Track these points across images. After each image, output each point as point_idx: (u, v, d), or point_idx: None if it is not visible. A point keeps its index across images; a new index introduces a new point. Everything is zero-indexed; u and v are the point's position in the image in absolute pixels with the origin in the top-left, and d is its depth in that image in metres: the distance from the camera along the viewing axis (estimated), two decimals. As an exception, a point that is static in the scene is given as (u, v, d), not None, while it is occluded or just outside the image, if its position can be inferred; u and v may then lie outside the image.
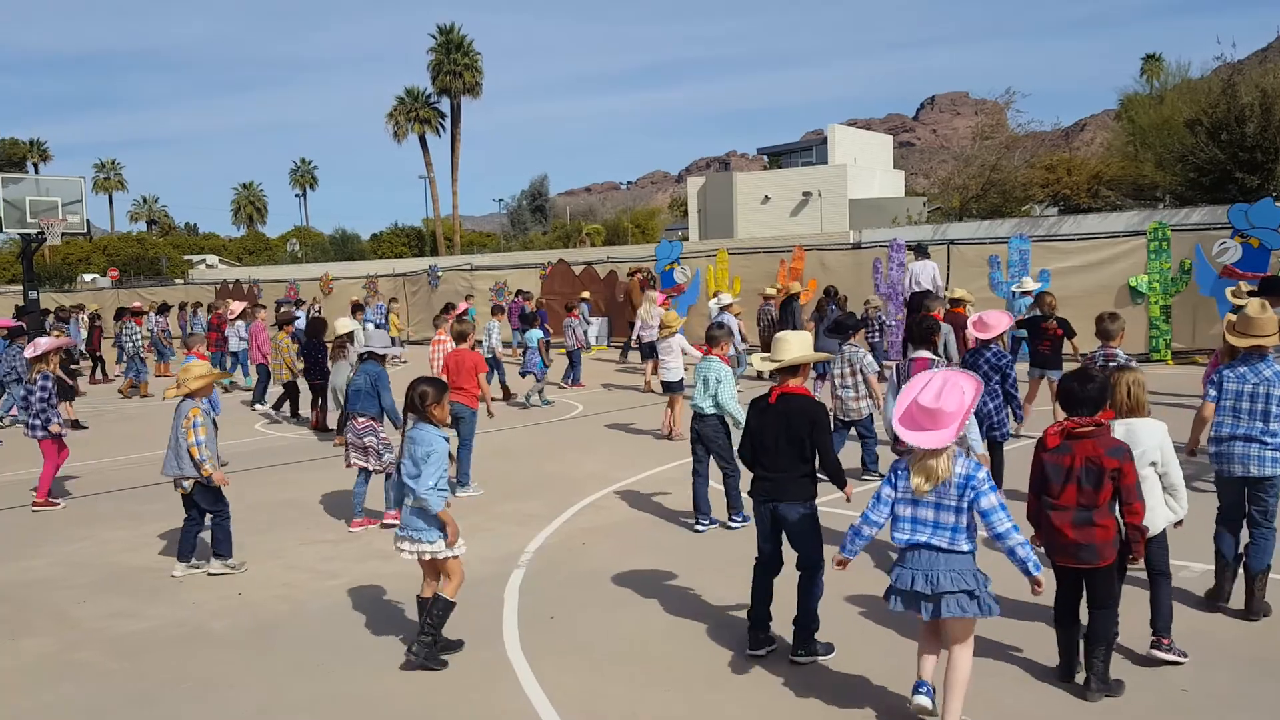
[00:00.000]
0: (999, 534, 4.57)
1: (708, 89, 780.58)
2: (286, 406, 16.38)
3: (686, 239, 46.12)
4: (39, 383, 10.53)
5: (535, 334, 17.00)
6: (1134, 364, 7.79)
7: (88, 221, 29.45)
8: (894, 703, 5.15)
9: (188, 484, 7.93)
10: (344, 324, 13.55)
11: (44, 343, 10.96)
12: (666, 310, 15.58)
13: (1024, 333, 12.70)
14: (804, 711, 5.16)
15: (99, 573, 8.18)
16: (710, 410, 8.75)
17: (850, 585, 6.72)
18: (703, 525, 8.76)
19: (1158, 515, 5.49)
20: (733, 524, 8.76)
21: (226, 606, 7.23)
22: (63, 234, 27.72)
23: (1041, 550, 5.05)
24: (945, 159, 53.01)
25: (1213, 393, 6.54)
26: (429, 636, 5.82)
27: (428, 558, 5.84)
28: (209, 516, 8.07)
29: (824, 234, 30.87)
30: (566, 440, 13.59)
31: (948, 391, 4.60)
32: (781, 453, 5.69)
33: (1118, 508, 5.05)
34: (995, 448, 8.80)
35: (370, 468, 9.24)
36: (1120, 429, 5.40)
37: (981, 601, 4.60)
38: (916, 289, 18.26)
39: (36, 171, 76.90)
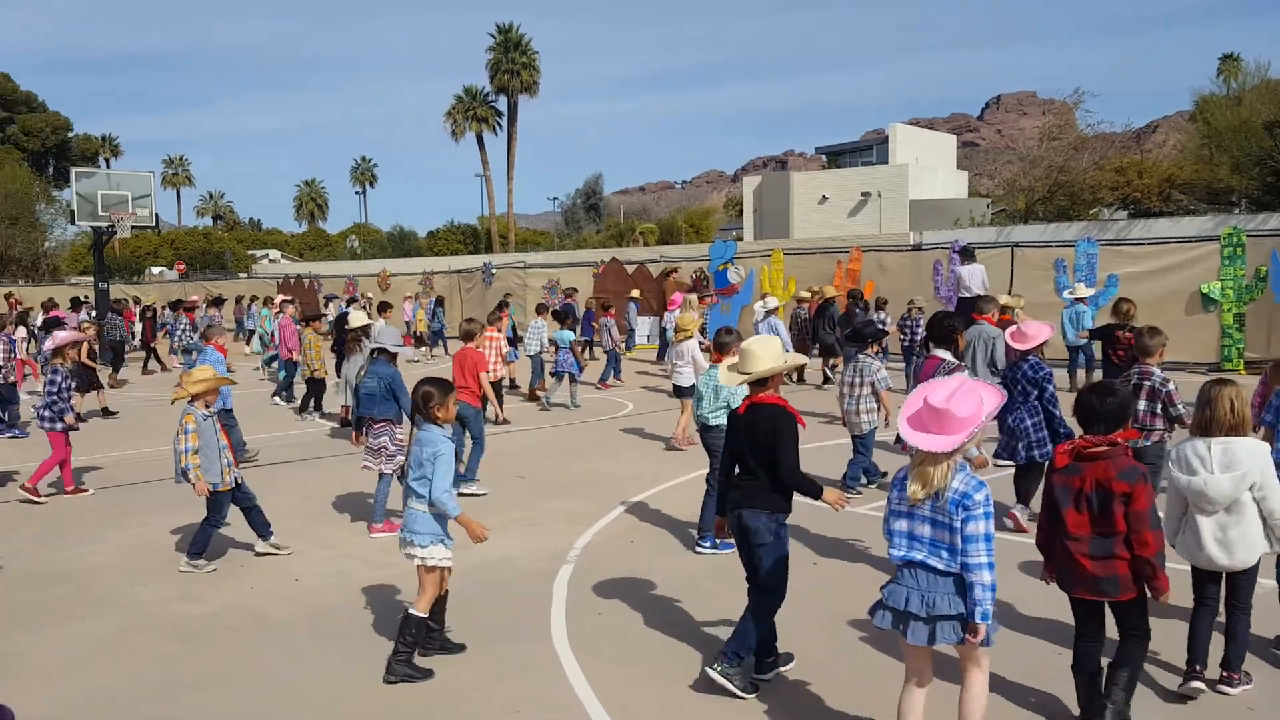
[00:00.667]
0: (969, 565, 4.12)
1: (766, 88, 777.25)
2: (311, 404, 16.14)
3: (741, 239, 45.97)
4: (50, 376, 10.79)
5: (567, 334, 16.65)
6: (1172, 385, 7.51)
7: (156, 216, 30.09)
8: None
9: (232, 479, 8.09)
10: (356, 318, 13.51)
11: (61, 336, 11.22)
12: (697, 314, 15.11)
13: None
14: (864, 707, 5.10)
15: (159, 558, 8.34)
16: (715, 422, 8.17)
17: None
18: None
19: (1255, 545, 5.05)
20: (700, 547, 8.13)
21: (285, 594, 7.34)
22: (132, 227, 28.35)
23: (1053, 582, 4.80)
24: (1011, 160, 52.22)
25: (1269, 418, 6.30)
26: (404, 654, 5.66)
27: (417, 563, 5.73)
28: (241, 509, 8.23)
29: (883, 235, 30.59)
30: (615, 439, 13.59)
31: (962, 396, 4.22)
32: (752, 463, 5.48)
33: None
34: (1035, 468, 8.34)
35: (381, 470, 8.97)
36: (1218, 448, 5.02)
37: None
38: (966, 294, 17.97)
39: (108, 166, 78.70)
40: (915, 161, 51.13)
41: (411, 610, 5.70)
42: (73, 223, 30.73)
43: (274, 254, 69.56)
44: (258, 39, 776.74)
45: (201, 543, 7.98)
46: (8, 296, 33.66)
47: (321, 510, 9.79)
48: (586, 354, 24.62)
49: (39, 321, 24.57)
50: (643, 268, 28.61)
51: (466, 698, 5.45)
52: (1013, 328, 8.75)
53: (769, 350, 5.59)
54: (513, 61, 61.90)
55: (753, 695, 5.34)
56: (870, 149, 60.77)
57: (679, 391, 12.96)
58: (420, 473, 5.69)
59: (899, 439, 4.46)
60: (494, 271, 32.91)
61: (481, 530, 5.74)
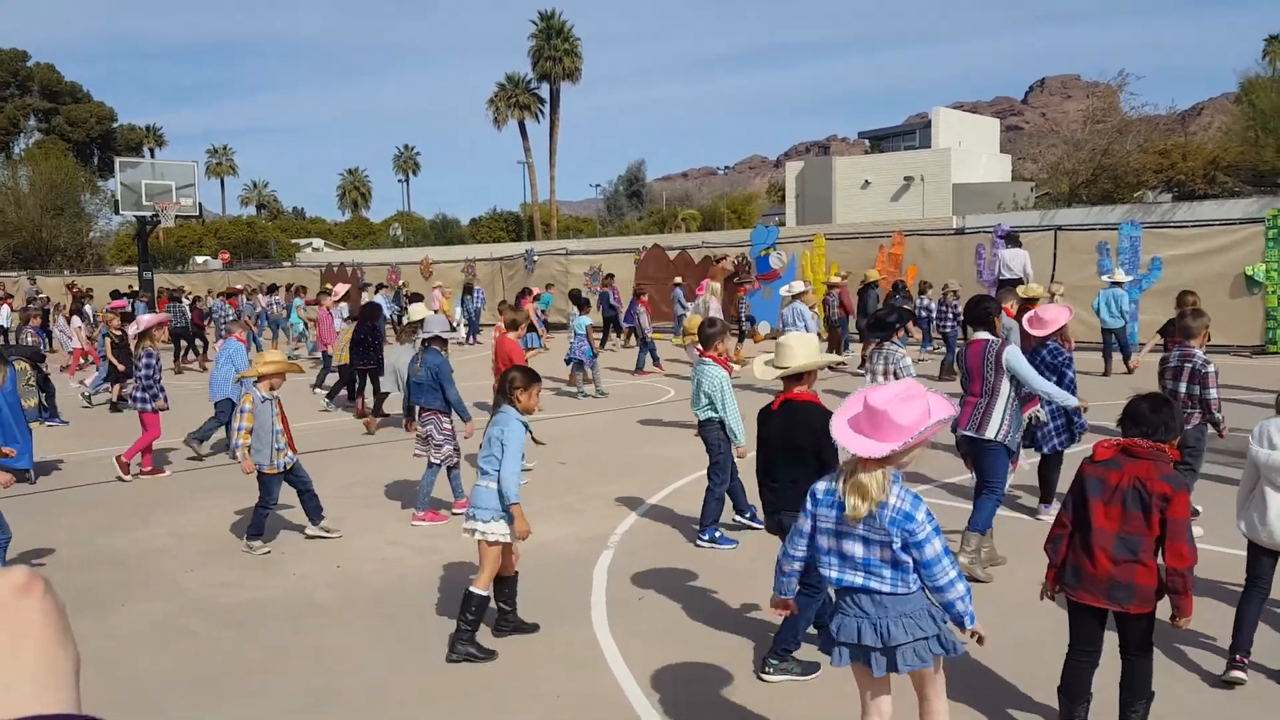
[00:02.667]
0: (940, 587, 3.74)
1: (808, 73, 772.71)
2: (344, 394, 16.04)
3: (784, 224, 45.76)
4: (144, 359, 10.99)
5: (584, 320, 16.53)
6: (1212, 368, 7.40)
7: (200, 205, 30.45)
8: None
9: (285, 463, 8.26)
10: (417, 310, 13.62)
11: (146, 319, 11.45)
12: (718, 301, 14.92)
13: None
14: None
15: (206, 543, 8.49)
16: (706, 416, 7.92)
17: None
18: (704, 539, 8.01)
19: None
20: (700, 541, 7.98)
21: (330, 579, 7.44)
22: (176, 216, 28.72)
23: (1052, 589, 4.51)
24: (1055, 143, 51.53)
25: None
26: (466, 632, 5.76)
27: (478, 537, 5.82)
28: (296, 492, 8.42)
29: (926, 219, 30.35)
30: (655, 425, 13.60)
31: (906, 401, 3.75)
32: (784, 462, 5.42)
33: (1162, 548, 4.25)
34: (1055, 459, 8.33)
35: (430, 459, 9.00)
36: None
37: (944, 639, 3.82)
38: (1007, 274, 17.78)
39: (152, 156, 79.68)
40: (958, 145, 50.60)
41: (472, 588, 5.80)
42: (117, 212, 31.21)
43: (317, 243, 70.28)
44: (302, 30, 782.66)
45: (256, 525, 8.21)
46: (70, 285, 34.36)
47: (365, 497, 9.91)
48: (619, 341, 24.67)
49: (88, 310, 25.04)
50: (684, 254, 28.57)
51: (508, 683, 5.50)
52: (1029, 313, 8.60)
53: (806, 346, 5.51)
54: (555, 48, 62.05)
55: (815, 674, 5.35)
56: (913, 133, 60.27)
57: None
58: (489, 451, 5.81)
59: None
60: (536, 259, 33.01)
61: (527, 528, 5.83)
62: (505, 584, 6.05)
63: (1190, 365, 7.46)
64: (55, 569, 7.87)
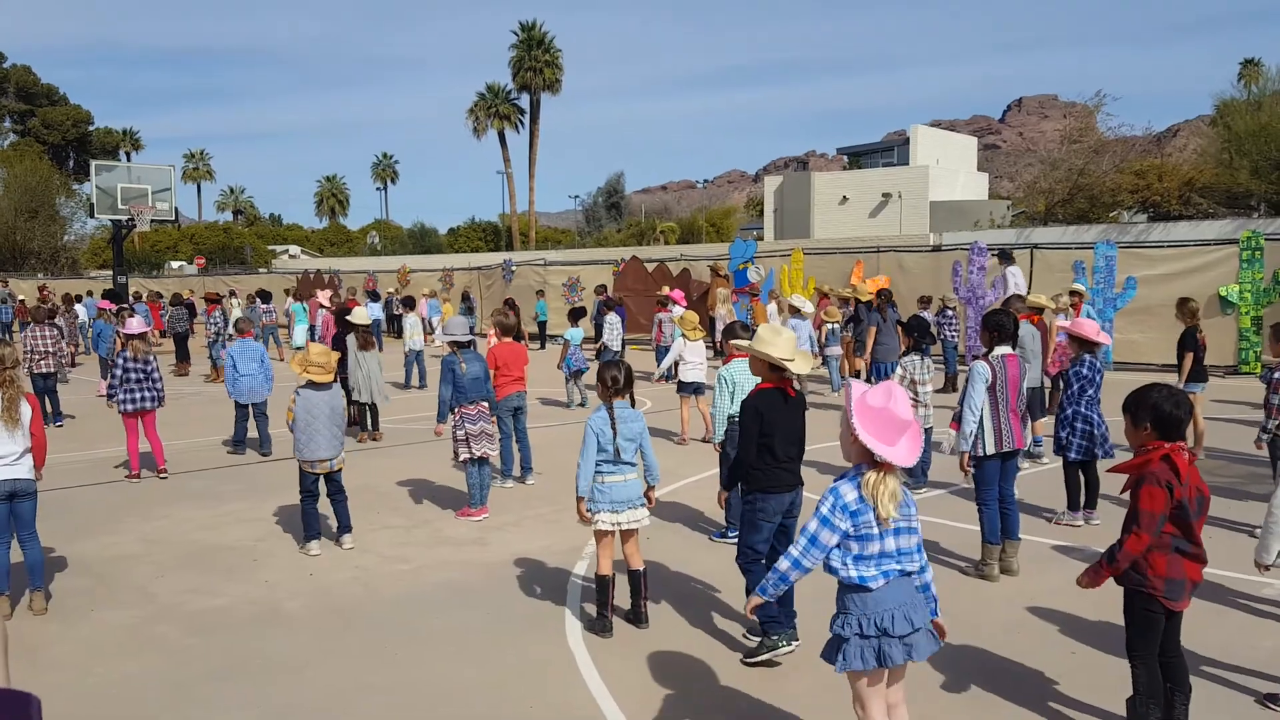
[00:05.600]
0: (924, 565, 3.99)
1: (788, 89, 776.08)
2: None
3: (762, 238, 45.91)
4: (120, 361, 11.10)
5: (578, 332, 16.60)
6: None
7: (176, 209, 30.22)
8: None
9: (335, 463, 8.33)
10: (360, 315, 13.60)
11: (135, 324, 11.44)
12: (726, 310, 15.02)
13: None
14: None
15: (177, 550, 8.39)
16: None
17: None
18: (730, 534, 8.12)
19: None
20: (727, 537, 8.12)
21: (300, 588, 7.36)
22: (151, 221, 28.47)
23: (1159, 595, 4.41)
24: (1031, 162, 51.92)
25: None
26: (600, 611, 6.33)
27: (637, 524, 6.28)
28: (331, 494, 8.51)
29: (903, 236, 30.50)
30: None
31: (897, 395, 3.91)
32: (795, 443, 5.82)
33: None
34: (1090, 465, 8.58)
35: (485, 452, 9.25)
36: None
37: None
38: (1015, 290, 17.84)
39: (129, 160, 79.14)
40: (936, 163, 50.93)
41: (638, 567, 6.39)
42: (92, 216, 30.93)
43: (294, 249, 69.94)
44: (282, 37, 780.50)
45: (307, 525, 8.25)
46: (41, 289, 33.96)
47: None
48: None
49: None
50: (662, 266, 28.60)
51: (479, 694, 5.45)
52: (1069, 323, 9.04)
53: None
54: (535, 59, 62.10)
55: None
56: (891, 150, 60.56)
57: (682, 387, 13.07)
58: (635, 445, 6.24)
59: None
60: (514, 269, 32.97)
61: (585, 517, 6.23)
62: (634, 577, 6.44)
63: (1276, 376, 8.25)
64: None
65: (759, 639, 5.83)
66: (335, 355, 8.50)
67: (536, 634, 6.30)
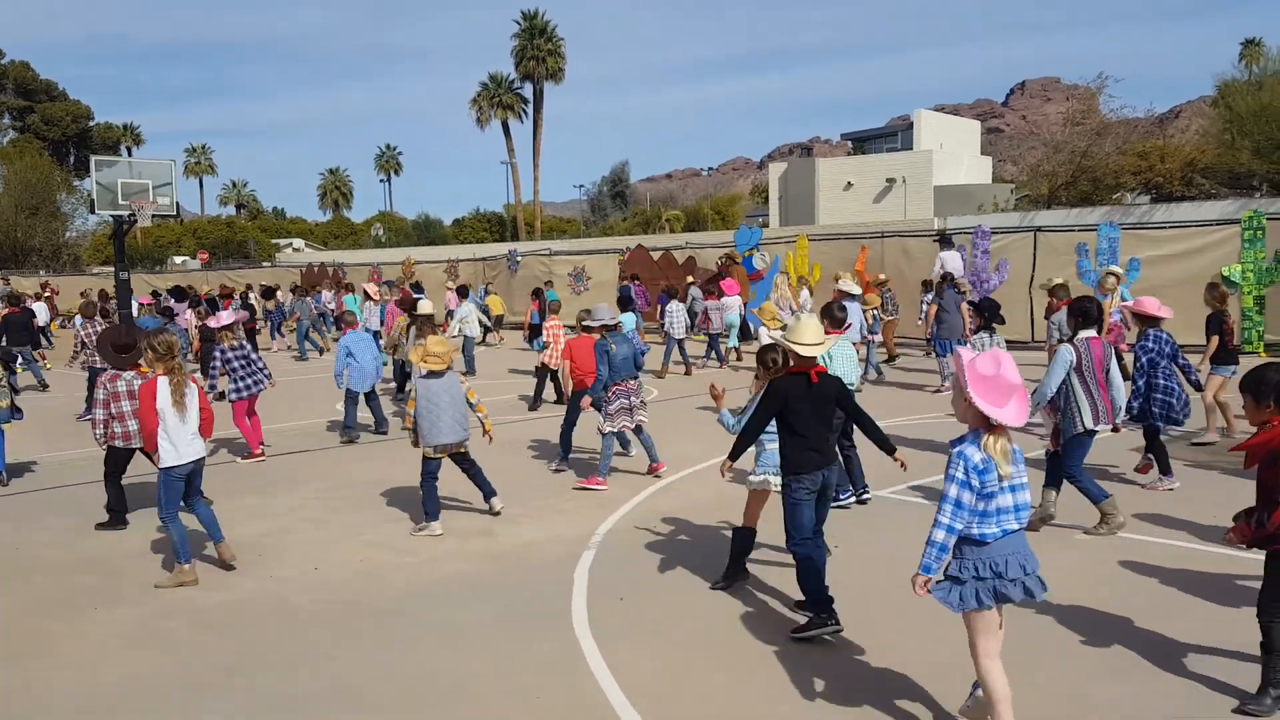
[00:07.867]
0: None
1: (793, 75, 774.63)
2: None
3: (767, 225, 45.83)
4: (217, 353, 11.90)
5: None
6: None
7: (177, 204, 30.10)
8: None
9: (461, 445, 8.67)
10: (426, 306, 14.26)
11: (227, 316, 12.28)
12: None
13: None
14: (881, 695, 5.07)
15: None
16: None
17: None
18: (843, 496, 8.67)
19: None
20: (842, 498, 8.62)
21: (308, 581, 7.37)
22: (153, 216, 28.35)
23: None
24: (1035, 145, 51.83)
25: None
26: (730, 565, 6.92)
27: (770, 488, 6.69)
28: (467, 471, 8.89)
29: (908, 221, 30.46)
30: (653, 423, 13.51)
31: (1004, 361, 4.22)
32: (829, 423, 6.18)
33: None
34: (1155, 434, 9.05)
35: (628, 427, 9.99)
36: None
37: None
38: (947, 271, 17.77)
39: (130, 155, 79.11)
40: (940, 148, 50.85)
41: (738, 525, 6.94)
42: (93, 212, 30.86)
43: (298, 243, 69.81)
44: (283, 29, 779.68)
45: (427, 505, 8.47)
46: (43, 285, 34.06)
47: (346, 499, 9.82)
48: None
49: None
50: (668, 254, 28.56)
51: (487, 685, 5.45)
52: (1132, 301, 9.54)
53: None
54: (538, 48, 61.96)
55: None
56: (895, 135, 60.51)
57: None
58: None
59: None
60: (519, 259, 32.93)
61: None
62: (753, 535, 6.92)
63: None
64: (34, 571, 7.79)
65: (809, 615, 5.94)
66: (454, 345, 8.95)
67: (544, 625, 6.29)
